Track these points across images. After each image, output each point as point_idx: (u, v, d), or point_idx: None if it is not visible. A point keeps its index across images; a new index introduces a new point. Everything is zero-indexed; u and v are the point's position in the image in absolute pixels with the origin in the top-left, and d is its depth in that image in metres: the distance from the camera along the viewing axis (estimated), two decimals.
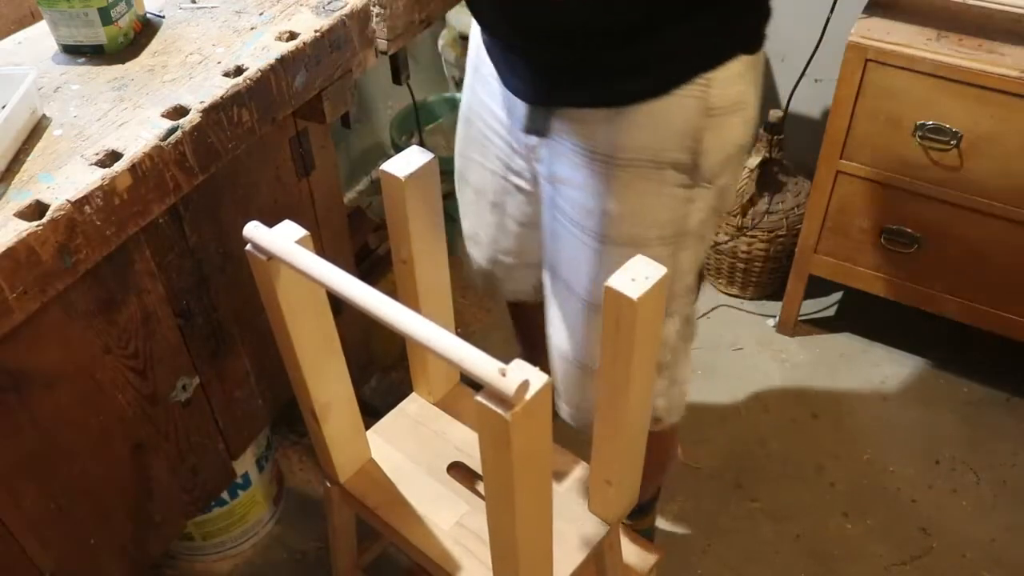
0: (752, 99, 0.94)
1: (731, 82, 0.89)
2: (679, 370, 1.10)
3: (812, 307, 2.01)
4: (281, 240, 0.79)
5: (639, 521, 1.50)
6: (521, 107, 0.99)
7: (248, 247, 0.81)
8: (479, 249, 1.23)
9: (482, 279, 1.27)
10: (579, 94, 0.92)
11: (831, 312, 2.01)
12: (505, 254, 1.20)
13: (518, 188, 1.12)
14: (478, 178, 1.17)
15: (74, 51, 1.02)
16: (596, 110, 0.92)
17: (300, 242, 0.80)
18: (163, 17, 1.09)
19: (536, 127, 0.99)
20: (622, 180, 0.93)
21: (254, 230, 0.80)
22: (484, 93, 1.09)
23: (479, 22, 1.01)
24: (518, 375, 0.66)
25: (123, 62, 1.01)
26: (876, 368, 1.90)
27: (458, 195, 1.23)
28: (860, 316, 1.98)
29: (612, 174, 0.93)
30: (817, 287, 1.97)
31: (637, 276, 0.77)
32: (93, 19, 0.99)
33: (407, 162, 0.92)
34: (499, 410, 0.67)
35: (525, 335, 1.50)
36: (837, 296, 2.03)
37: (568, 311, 1.06)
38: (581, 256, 1.00)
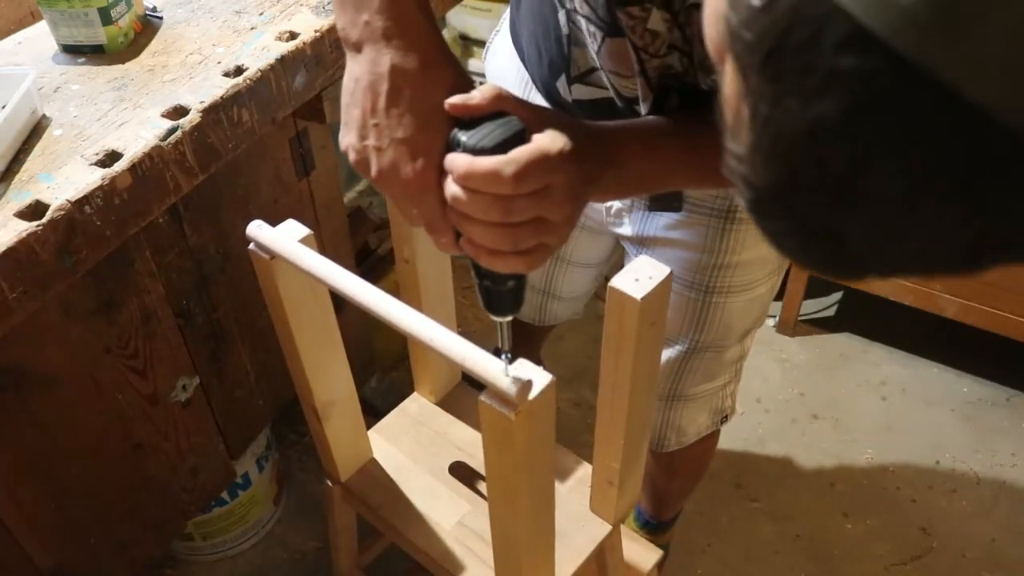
0: None
1: None
2: (743, 369, 1.15)
3: (812, 307, 2.01)
4: (284, 239, 0.79)
5: (660, 536, 1.50)
6: None
7: (251, 246, 0.81)
8: (529, 290, 1.19)
9: (530, 313, 1.24)
10: None
11: (831, 312, 2.01)
12: (562, 291, 1.19)
13: (582, 233, 1.08)
14: None
15: (74, 51, 1.02)
16: None
17: (303, 241, 0.80)
18: (162, 18, 1.09)
19: (668, 203, 0.92)
20: (745, 231, 0.92)
21: (257, 229, 0.80)
22: None
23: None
24: (522, 375, 0.66)
25: (123, 62, 1.01)
26: (876, 368, 1.90)
27: None
28: (860, 316, 1.98)
29: (733, 228, 0.91)
30: (817, 287, 1.97)
31: (641, 276, 0.77)
32: (93, 19, 0.99)
33: None
34: (503, 410, 0.67)
35: (522, 351, 1.49)
36: (837, 296, 2.03)
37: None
38: (678, 311, 1.00)
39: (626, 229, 0.98)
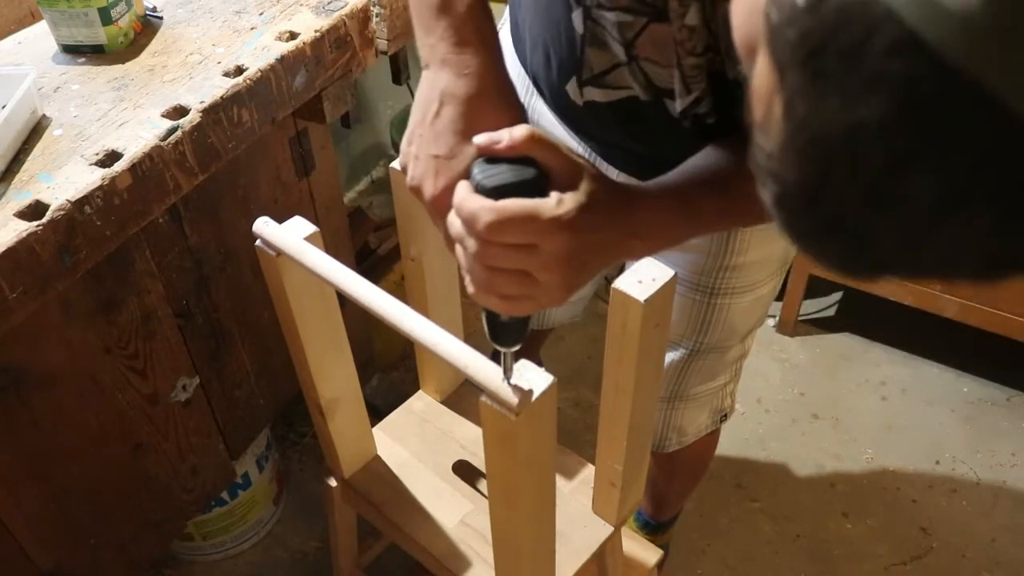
0: None
1: None
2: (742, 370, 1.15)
3: (812, 307, 2.01)
4: (290, 236, 0.79)
5: (661, 536, 1.50)
6: (623, 177, 0.91)
7: (257, 242, 0.81)
8: None
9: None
10: None
11: (831, 312, 2.01)
12: None
13: None
14: None
15: (74, 51, 1.02)
16: None
17: (310, 239, 0.80)
18: (162, 18, 1.09)
19: None
20: (750, 233, 0.92)
21: (263, 226, 0.80)
22: None
23: (576, 132, 0.90)
24: (522, 383, 0.66)
25: (123, 62, 1.01)
26: (876, 368, 1.90)
27: None
28: (860, 316, 1.98)
29: (742, 231, 0.92)
30: (817, 287, 1.97)
31: (644, 278, 0.76)
32: (93, 19, 0.99)
33: None
34: (504, 411, 0.67)
35: (522, 351, 1.48)
36: (837, 296, 2.03)
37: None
38: (683, 313, 1.00)
39: None
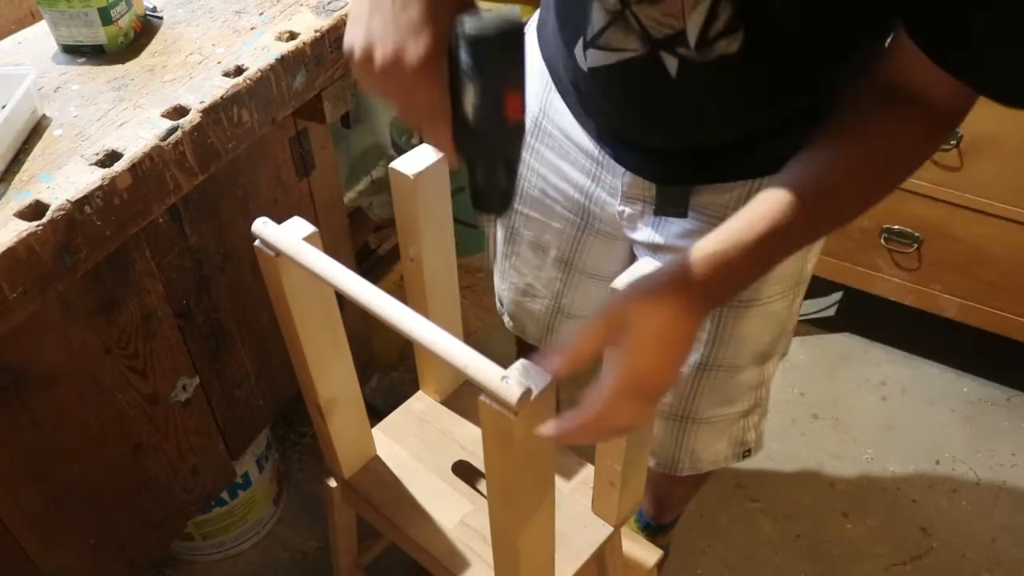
0: None
1: None
2: (768, 402, 1.11)
3: (812, 307, 2.01)
4: (289, 237, 0.79)
5: (660, 538, 1.49)
6: (636, 182, 0.92)
7: (256, 243, 0.81)
8: (537, 302, 1.15)
9: (536, 333, 1.19)
10: (727, 171, 0.87)
11: (831, 312, 2.01)
12: (572, 307, 1.14)
13: (595, 239, 1.05)
14: (536, 235, 1.08)
15: (74, 51, 1.02)
16: (739, 181, 0.87)
17: (308, 239, 0.80)
18: (162, 18, 1.09)
19: (674, 207, 0.91)
20: None
21: (262, 226, 0.80)
22: (550, 152, 0.99)
23: (585, 119, 0.92)
24: (520, 382, 0.66)
25: (123, 62, 1.01)
26: (876, 368, 1.90)
27: (501, 246, 1.14)
28: (860, 316, 1.98)
29: None
30: (817, 287, 1.97)
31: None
32: (93, 19, 0.99)
33: (417, 160, 0.92)
34: (502, 410, 0.67)
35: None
36: (837, 296, 2.03)
37: None
38: None
39: (640, 235, 0.97)
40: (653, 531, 1.48)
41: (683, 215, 0.91)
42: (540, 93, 0.98)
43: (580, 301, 1.12)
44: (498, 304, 1.23)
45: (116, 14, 1.00)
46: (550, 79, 0.94)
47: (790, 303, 0.99)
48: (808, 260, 0.98)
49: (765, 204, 0.67)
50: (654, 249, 0.96)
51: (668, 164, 0.89)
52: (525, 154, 1.02)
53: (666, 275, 0.66)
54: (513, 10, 0.58)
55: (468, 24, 0.57)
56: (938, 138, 0.70)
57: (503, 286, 1.18)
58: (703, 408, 1.05)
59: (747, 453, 1.14)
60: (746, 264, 0.67)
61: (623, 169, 0.92)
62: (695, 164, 0.88)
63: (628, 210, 0.96)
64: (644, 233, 0.96)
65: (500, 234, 1.14)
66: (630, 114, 0.85)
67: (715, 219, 0.88)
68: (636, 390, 0.65)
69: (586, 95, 0.89)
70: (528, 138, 1.01)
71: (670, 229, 0.94)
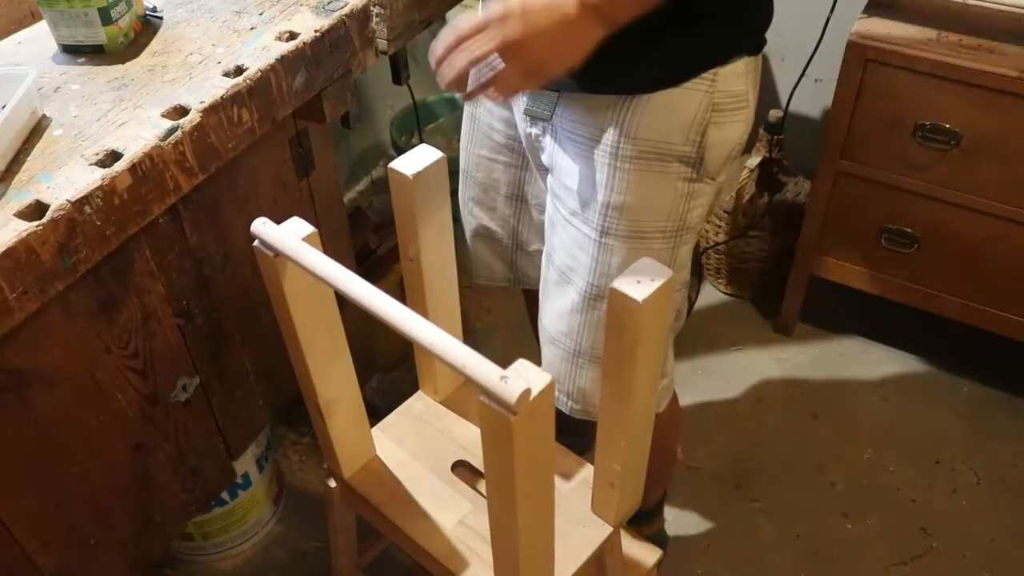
0: (752, 99, 0.95)
1: (735, 79, 0.91)
2: (668, 363, 1.11)
3: (812, 307, 2.01)
4: (288, 237, 0.79)
5: (646, 527, 1.49)
6: (534, 99, 0.98)
7: (255, 243, 0.81)
8: (497, 244, 1.22)
9: (504, 272, 1.25)
10: (590, 80, 0.91)
11: (831, 312, 2.01)
12: (528, 242, 1.20)
13: (533, 173, 1.12)
14: (485, 174, 1.17)
15: (74, 51, 1.02)
16: (606, 96, 0.91)
17: (308, 239, 0.80)
18: (162, 18, 1.09)
19: (539, 110, 0.98)
20: (628, 172, 0.93)
21: (262, 226, 0.80)
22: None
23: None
24: (520, 382, 0.66)
25: (123, 62, 1.01)
26: (876, 368, 1.90)
27: (463, 192, 1.22)
28: (860, 316, 1.98)
29: (618, 166, 0.93)
30: (817, 287, 1.97)
31: (642, 278, 0.77)
32: (93, 19, 0.99)
33: (416, 160, 0.92)
34: (502, 411, 0.67)
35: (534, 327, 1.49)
36: (838, 296, 2.03)
37: (564, 300, 1.05)
38: (580, 247, 1.00)
39: (545, 157, 1.02)
40: (639, 520, 1.46)
41: (545, 119, 0.98)
42: None
43: (532, 233, 1.19)
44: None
45: (116, 14, 1.00)
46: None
47: (672, 248, 1.00)
48: (692, 208, 0.98)
49: None
50: (553, 170, 1.01)
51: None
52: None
53: None
54: None
55: None
56: None
57: (475, 232, 1.24)
58: (596, 345, 1.04)
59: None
60: None
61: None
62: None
63: (534, 131, 1.02)
64: (545, 156, 1.02)
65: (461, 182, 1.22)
66: None
67: (585, 137, 0.95)
68: (513, 29, 0.79)
69: None
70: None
71: (563, 151, 0.98)
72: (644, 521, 1.48)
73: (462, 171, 1.21)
